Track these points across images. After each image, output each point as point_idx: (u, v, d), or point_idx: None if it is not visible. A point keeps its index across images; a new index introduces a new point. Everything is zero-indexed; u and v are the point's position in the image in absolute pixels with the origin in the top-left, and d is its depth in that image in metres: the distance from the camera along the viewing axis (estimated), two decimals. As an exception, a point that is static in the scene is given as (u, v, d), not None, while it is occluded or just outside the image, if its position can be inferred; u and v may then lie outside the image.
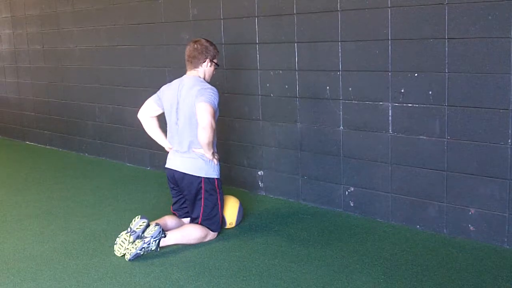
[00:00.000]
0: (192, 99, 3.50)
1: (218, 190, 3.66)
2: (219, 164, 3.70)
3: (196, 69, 3.64)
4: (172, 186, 3.76)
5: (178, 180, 3.66)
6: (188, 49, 3.65)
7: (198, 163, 3.59)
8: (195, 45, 3.63)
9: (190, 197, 3.66)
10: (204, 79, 3.66)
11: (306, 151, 4.24)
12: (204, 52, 3.62)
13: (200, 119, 3.42)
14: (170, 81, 3.78)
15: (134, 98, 5.56)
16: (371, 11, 3.68)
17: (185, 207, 3.76)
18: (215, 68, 3.73)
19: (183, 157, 3.63)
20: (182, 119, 3.57)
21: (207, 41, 3.69)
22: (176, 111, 3.60)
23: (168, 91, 3.69)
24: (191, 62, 3.64)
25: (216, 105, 3.51)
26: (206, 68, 3.66)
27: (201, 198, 3.61)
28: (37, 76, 6.83)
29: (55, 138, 6.77)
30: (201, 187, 3.60)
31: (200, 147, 3.56)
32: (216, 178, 3.65)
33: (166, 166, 3.73)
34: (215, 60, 3.69)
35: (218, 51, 3.73)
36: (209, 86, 3.57)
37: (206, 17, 4.73)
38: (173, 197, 3.82)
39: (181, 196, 3.75)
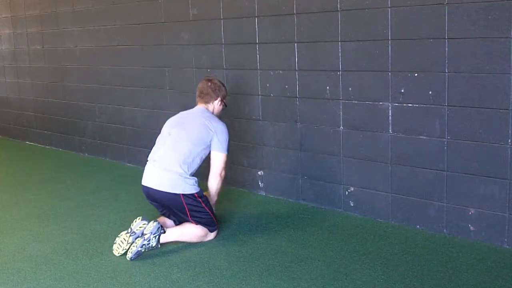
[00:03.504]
0: (205, 124, 3.65)
1: (200, 200, 3.58)
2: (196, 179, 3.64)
3: (207, 104, 3.83)
4: (150, 201, 3.70)
5: (154, 197, 3.60)
6: (202, 86, 3.85)
7: (175, 179, 3.51)
8: (209, 83, 3.84)
9: (173, 211, 3.63)
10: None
11: (306, 151, 4.24)
12: (217, 91, 3.84)
13: (215, 167, 3.70)
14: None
15: (134, 98, 5.57)
16: (371, 11, 3.68)
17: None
18: (223, 108, 3.92)
19: (160, 173, 3.56)
20: (177, 132, 3.64)
21: (220, 82, 3.91)
22: (174, 125, 3.72)
23: (173, 117, 3.88)
24: (202, 98, 3.83)
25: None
26: (216, 106, 3.85)
27: (185, 211, 3.56)
28: (37, 76, 6.83)
29: (55, 138, 6.77)
30: (182, 202, 3.52)
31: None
32: (195, 192, 3.57)
33: (142, 183, 3.66)
34: (225, 100, 3.90)
35: (227, 93, 3.96)
36: (222, 123, 3.75)
37: (206, 17, 4.73)
38: (158, 210, 3.77)
39: (164, 209, 3.69)
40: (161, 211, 3.75)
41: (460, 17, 3.31)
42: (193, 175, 3.61)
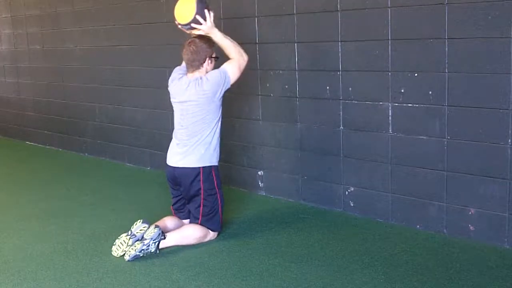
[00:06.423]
0: (202, 94, 3.51)
1: (217, 190, 3.65)
2: (218, 152, 3.68)
3: (198, 70, 3.60)
4: (171, 185, 3.76)
5: (177, 177, 3.65)
6: (185, 53, 3.59)
7: (196, 154, 3.57)
8: (191, 48, 3.56)
9: (188, 196, 3.66)
10: None
11: (306, 151, 4.24)
12: (201, 53, 3.56)
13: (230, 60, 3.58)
14: (171, 81, 3.78)
15: (134, 98, 5.57)
16: (371, 11, 3.68)
17: (186, 207, 3.75)
18: (215, 61, 3.68)
19: (182, 152, 3.61)
20: (185, 114, 3.60)
21: (201, 39, 3.60)
22: (179, 103, 3.63)
23: (177, 81, 3.69)
24: (191, 66, 3.59)
25: (225, 77, 3.54)
26: (207, 67, 3.61)
27: (200, 198, 3.61)
28: (37, 76, 6.83)
29: (55, 138, 6.77)
30: (199, 188, 3.58)
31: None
32: (213, 166, 3.63)
33: (167, 163, 3.72)
34: (213, 56, 3.64)
35: (213, 43, 3.64)
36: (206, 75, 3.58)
37: (206, 17, 4.72)
38: (173, 197, 3.81)
39: (181, 196, 3.74)
40: (175, 200, 3.78)
41: (460, 17, 3.31)
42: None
